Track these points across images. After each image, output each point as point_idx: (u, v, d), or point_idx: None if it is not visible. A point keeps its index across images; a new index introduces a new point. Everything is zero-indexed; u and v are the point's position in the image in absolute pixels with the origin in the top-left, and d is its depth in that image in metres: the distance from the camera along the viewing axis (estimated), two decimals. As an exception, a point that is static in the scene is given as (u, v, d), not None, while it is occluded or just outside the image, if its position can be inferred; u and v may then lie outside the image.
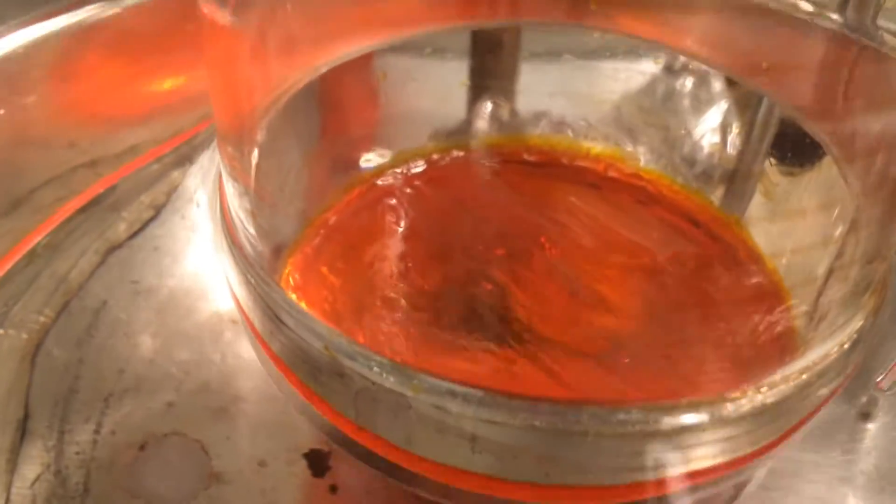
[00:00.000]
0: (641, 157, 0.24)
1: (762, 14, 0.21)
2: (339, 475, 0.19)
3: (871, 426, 0.21)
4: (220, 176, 0.19)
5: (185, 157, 0.27)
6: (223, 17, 0.17)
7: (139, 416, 0.21)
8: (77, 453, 0.20)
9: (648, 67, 0.24)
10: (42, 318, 0.23)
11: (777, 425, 0.17)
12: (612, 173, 0.24)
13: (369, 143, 0.23)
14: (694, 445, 0.16)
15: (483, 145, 0.24)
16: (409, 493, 0.17)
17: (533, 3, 0.23)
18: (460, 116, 0.24)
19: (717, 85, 0.23)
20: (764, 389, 0.16)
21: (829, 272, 0.19)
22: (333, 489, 0.19)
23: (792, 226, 0.22)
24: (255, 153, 0.19)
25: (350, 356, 0.16)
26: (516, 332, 0.20)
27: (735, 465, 0.17)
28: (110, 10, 0.28)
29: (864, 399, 0.21)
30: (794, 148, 0.21)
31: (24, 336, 0.22)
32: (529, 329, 0.20)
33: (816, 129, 0.20)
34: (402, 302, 0.20)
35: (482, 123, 0.24)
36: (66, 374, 0.22)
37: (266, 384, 0.20)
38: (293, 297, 0.18)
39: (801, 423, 0.17)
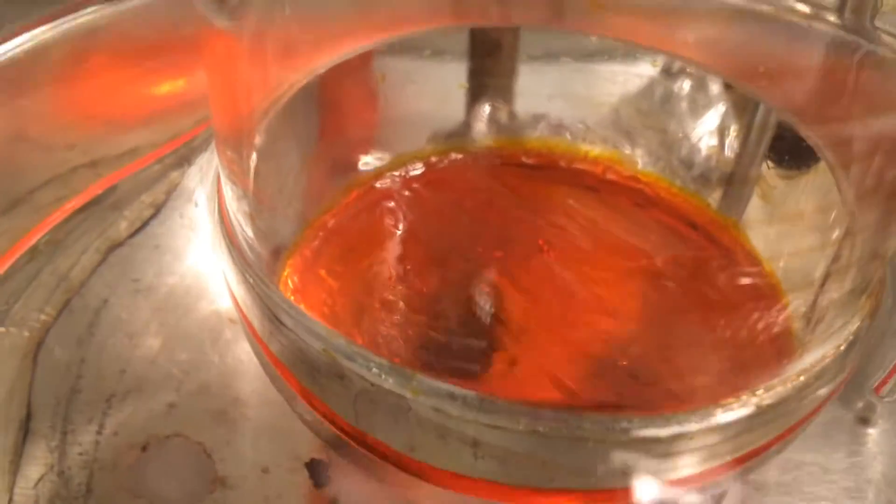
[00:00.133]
0: (639, 160, 0.24)
1: (758, 18, 0.21)
2: (339, 485, 0.19)
3: (872, 431, 0.21)
4: (219, 178, 0.20)
5: (183, 159, 0.27)
6: (221, 20, 0.17)
7: (141, 417, 0.21)
8: (80, 454, 0.20)
9: (646, 70, 0.24)
10: (43, 317, 0.23)
11: (774, 427, 0.17)
12: (610, 176, 0.24)
13: (368, 146, 0.23)
14: (694, 449, 0.16)
15: (481, 148, 0.24)
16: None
17: (530, 9, 0.23)
18: (459, 119, 0.24)
19: (715, 88, 0.23)
20: (760, 392, 0.16)
21: (827, 275, 0.19)
22: (334, 502, 0.19)
23: (789, 229, 0.22)
24: (254, 156, 0.19)
25: (349, 357, 0.16)
26: (514, 334, 0.20)
27: (735, 467, 0.17)
28: (110, 14, 0.28)
29: (860, 404, 0.21)
30: (792, 151, 0.21)
31: (26, 334, 0.23)
32: (527, 331, 0.20)
33: (812, 134, 0.20)
34: (401, 304, 0.20)
35: (480, 126, 0.24)
36: (67, 374, 0.22)
37: (266, 387, 0.20)
38: (291, 299, 0.18)
39: (799, 424, 0.17)
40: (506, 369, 0.19)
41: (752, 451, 0.17)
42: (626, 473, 0.16)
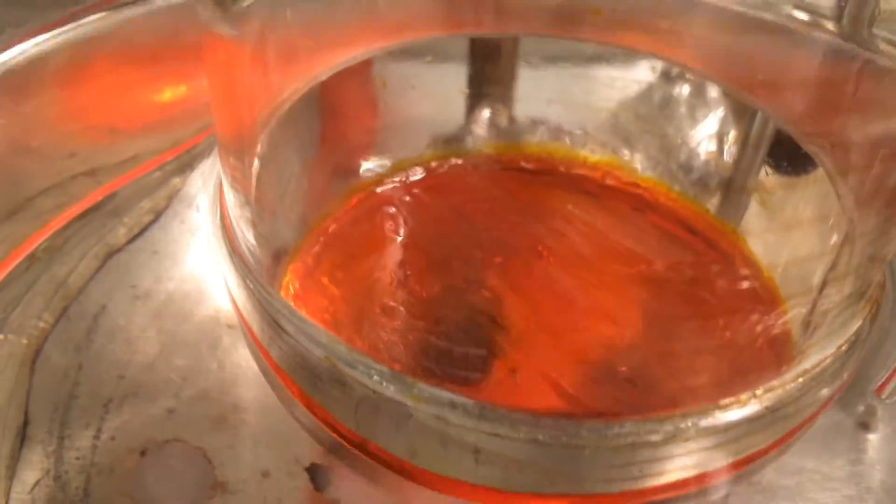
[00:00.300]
0: (638, 166, 0.24)
1: (757, 27, 0.21)
2: (341, 489, 0.19)
3: (872, 436, 0.21)
4: (221, 185, 0.20)
5: (186, 165, 0.27)
6: (223, 27, 0.17)
7: (139, 423, 0.21)
8: (77, 458, 0.20)
9: (645, 76, 0.24)
10: (41, 324, 0.23)
11: (774, 430, 0.17)
12: (609, 181, 0.24)
13: (368, 152, 0.23)
14: (694, 452, 0.16)
15: (481, 153, 0.24)
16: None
17: (528, 17, 0.23)
18: (459, 124, 0.24)
19: (714, 93, 0.23)
20: (759, 393, 0.16)
21: (825, 281, 0.19)
22: (336, 504, 0.19)
23: (788, 235, 0.22)
24: (256, 162, 0.19)
25: (350, 364, 0.16)
26: (514, 340, 0.20)
27: (731, 470, 0.17)
28: (111, 21, 0.28)
29: (861, 408, 0.21)
30: (790, 158, 0.21)
31: (24, 341, 0.22)
32: (527, 336, 0.20)
33: (810, 141, 0.20)
34: (401, 310, 0.20)
35: (480, 131, 0.25)
36: (65, 380, 0.22)
37: (265, 392, 0.20)
38: (292, 305, 0.18)
39: (800, 427, 0.18)
40: (505, 375, 0.19)
41: (752, 454, 0.17)
42: (626, 477, 0.16)
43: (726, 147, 0.23)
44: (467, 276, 0.21)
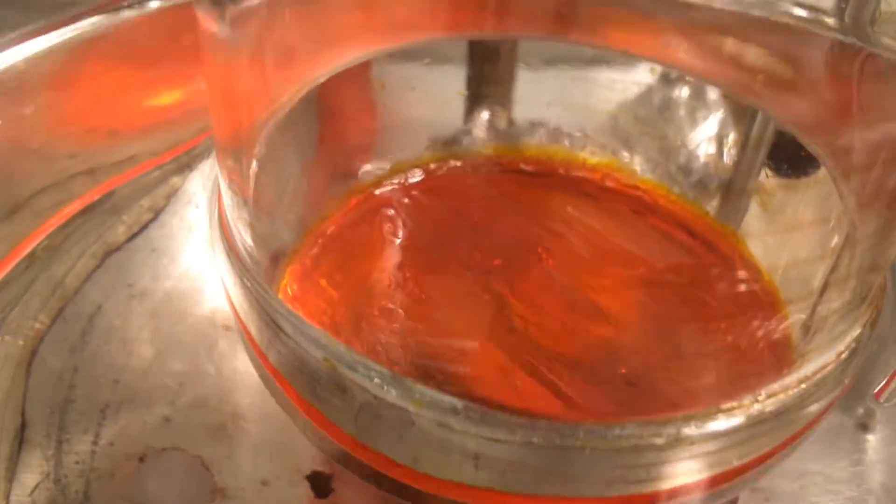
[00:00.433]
0: (638, 168, 0.24)
1: (757, 27, 0.21)
2: (342, 497, 0.19)
3: (872, 437, 0.21)
4: (218, 186, 0.19)
5: (185, 165, 0.27)
6: (222, 29, 0.17)
7: (137, 429, 0.21)
8: (76, 462, 0.20)
9: (644, 77, 0.24)
10: (37, 325, 0.23)
11: (775, 435, 0.17)
12: (608, 183, 0.24)
13: (367, 154, 0.23)
14: (695, 456, 0.16)
15: (480, 155, 0.24)
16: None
17: (528, 21, 0.23)
18: (458, 126, 0.24)
19: (714, 95, 0.23)
20: (762, 398, 0.16)
21: (826, 283, 0.19)
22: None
23: (788, 237, 0.22)
24: (254, 164, 0.19)
25: (350, 366, 0.16)
26: (514, 343, 0.20)
27: (734, 475, 0.17)
28: (110, 23, 0.28)
29: (861, 410, 0.21)
30: (791, 159, 0.21)
31: (21, 342, 0.22)
32: (527, 339, 0.20)
33: (812, 142, 0.20)
34: (400, 312, 0.20)
35: (479, 133, 0.24)
36: (61, 383, 0.22)
37: (262, 396, 0.20)
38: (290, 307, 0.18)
39: (800, 433, 0.17)
40: (504, 377, 0.19)
41: (754, 459, 0.17)
42: (626, 481, 0.16)
43: (726, 149, 0.23)
44: (466, 279, 0.21)
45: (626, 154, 0.24)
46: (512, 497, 0.16)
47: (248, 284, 0.17)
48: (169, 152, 0.27)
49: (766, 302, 0.21)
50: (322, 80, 0.21)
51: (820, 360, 0.17)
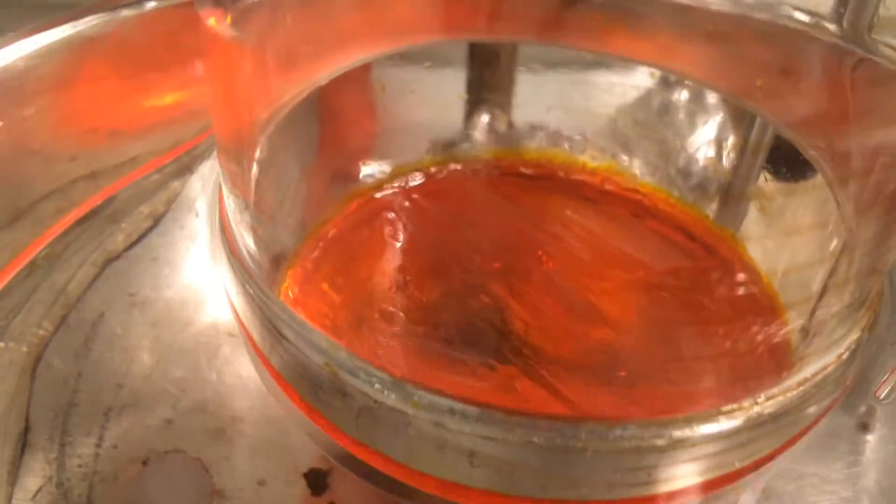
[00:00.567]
0: (637, 171, 0.24)
1: (756, 32, 0.21)
2: (337, 493, 0.19)
3: (871, 437, 0.21)
4: (220, 189, 0.20)
5: (185, 168, 0.27)
6: (224, 30, 0.17)
7: (139, 432, 0.21)
8: (79, 466, 0.20)
9: (644, 81, 0.24)
10: (41, 332, 0.23)
11: (775, 437, 0.17)
12: (608, 187, 0.24)
13: (368, 156, 0.23)
14: (694, 458, 0.16)
15: (480, 158, 0.25)
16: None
17: (527, 25, 0.23)
18: (458, 129, 0.24)
19: (713, 99, 0.23)
20: (761, 400, 0.16)
21: (825, 287, 0.19)
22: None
23: (787, 241, 0.22)
24: (255, 167, 0.19)
25: (351, 371, 0.16)
26: (514, 346, 0.20)
27: (735, 477, 0.17)
28: (110, 23, 0.28)
29: (862, 409, 0.21)
30: (790, 163, 0.21)
31: (24, 349, 0.22)
32: (527, 343, 0.20)
33: (810, 147, 0.20)
34: (401, 315, 0.20)
35: (479, 137, 0.25)
36: (65, 388, 0.22)
37: (263, 400, 0.20)
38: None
39: (800, 435, 0.18)
40: (505, 380, 0.19)
41: (755, 461, 0.17)
42: (626, 483, 0.16)
43: (725, 153, 0.23)
44: (466, 282, 0.21)
45: (625, 158, 0.24)
46: (511, 499, 0.16)
47: (251, 291, 0.17)
48: (170, 152, 0.27)
49: (765, 305, 0.21)
50: (323, 81, 0.21)
51: (819, 363, 0.17)
